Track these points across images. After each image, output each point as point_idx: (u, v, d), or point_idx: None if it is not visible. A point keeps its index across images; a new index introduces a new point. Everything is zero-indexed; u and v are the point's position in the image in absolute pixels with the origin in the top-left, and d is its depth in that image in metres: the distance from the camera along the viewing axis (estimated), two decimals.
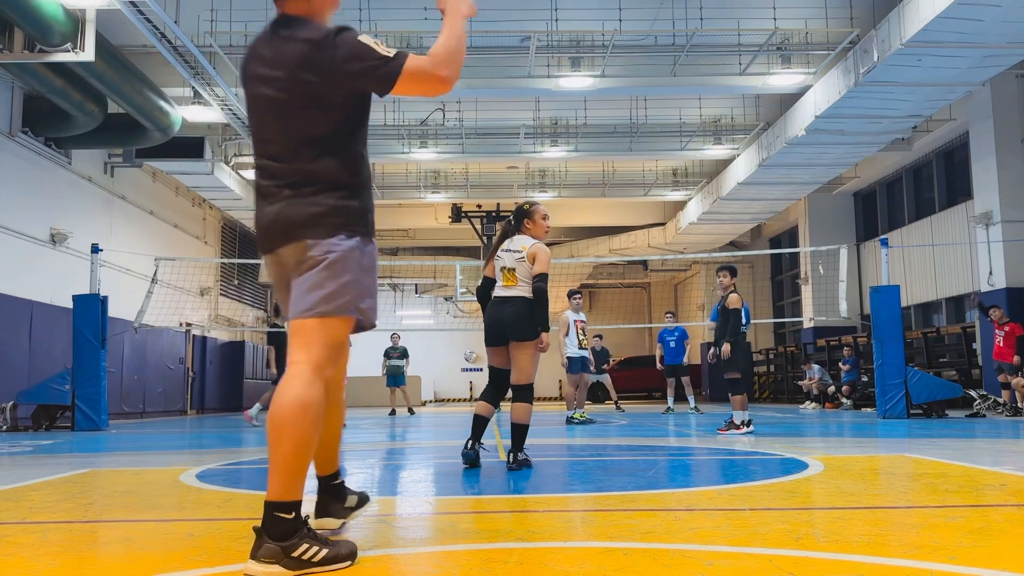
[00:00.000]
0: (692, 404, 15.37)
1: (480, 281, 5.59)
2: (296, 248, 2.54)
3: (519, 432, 5.28)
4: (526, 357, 5.23)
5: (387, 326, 28.27)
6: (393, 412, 17.08)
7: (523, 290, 5.30)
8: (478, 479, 4.83)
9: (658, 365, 15.99)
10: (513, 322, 5.20)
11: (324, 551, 2.38)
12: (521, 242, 5.39)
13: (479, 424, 5.36)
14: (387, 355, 17.27)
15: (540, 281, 5.26)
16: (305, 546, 2.36)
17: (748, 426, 8.34)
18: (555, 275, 27.91)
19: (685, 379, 15.38)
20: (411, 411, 17.48)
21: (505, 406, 6.61)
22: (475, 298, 6.04)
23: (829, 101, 13.62)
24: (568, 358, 11.73)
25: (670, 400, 15.64)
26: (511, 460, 5.22)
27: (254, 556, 2.34)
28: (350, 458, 6.51)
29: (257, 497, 4.14)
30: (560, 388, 30.04)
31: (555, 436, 8.79)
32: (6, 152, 13.33)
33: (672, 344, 15.55)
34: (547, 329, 5.29)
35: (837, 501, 3.76)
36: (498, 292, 5.37)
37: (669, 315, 16.10)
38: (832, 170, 17.71)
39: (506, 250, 5.42)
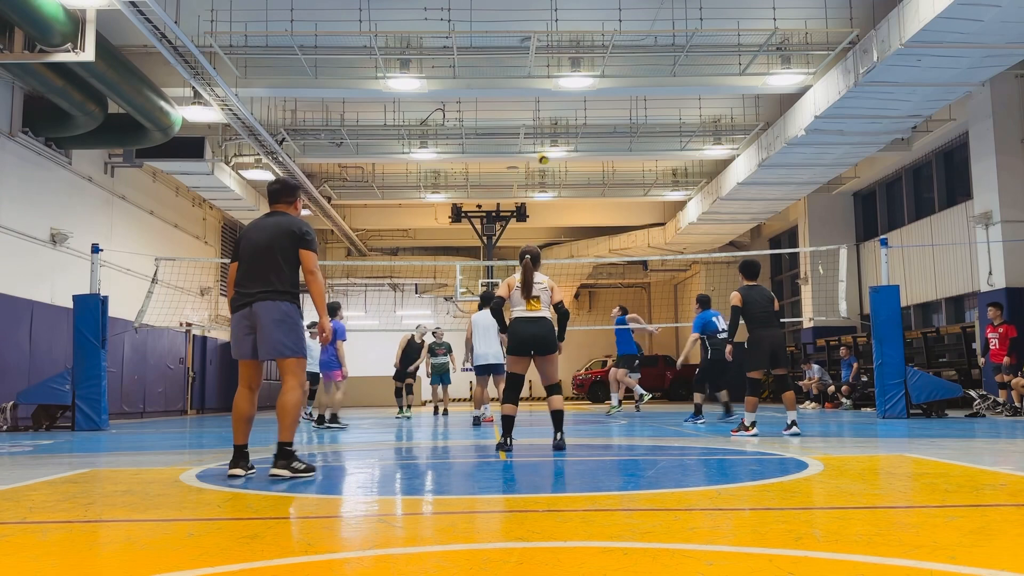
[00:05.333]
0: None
1: (494, 301, 6.71)
2: None
3: (561, 417, 6.63)
4: (555, 363, 6.65)
5: (387, 326, 28.34)
6: (437, 410, 16.14)
7: (547, 312, 6.60)
8: (478, 478, 4.83)
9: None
10: (546, 338, 6.52)
11: (303, 465, 4.93)
12: (540, 277, 6.69)
13: (510, 422, 6.60)
14: (432, 352, 15.72)
15: (562, 307, 6.66)
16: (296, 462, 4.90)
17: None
18: (555, 275, 27.93)
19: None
20: (445, 411, 16.17)
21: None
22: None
23: (829, 101, 13.60)
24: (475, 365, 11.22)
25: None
26: (558, 438, 6.51)
27: (274, 466, 4.92)
28: (352, 457, 6.51)
29: (257, 497, 4.15)
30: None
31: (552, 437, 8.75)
32: (6, 152, 13.32)
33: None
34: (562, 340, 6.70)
35: (837, 501, 3.76)
36: (525, 314, 6.56)
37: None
38: (832, 170, 17.70)
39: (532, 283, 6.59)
